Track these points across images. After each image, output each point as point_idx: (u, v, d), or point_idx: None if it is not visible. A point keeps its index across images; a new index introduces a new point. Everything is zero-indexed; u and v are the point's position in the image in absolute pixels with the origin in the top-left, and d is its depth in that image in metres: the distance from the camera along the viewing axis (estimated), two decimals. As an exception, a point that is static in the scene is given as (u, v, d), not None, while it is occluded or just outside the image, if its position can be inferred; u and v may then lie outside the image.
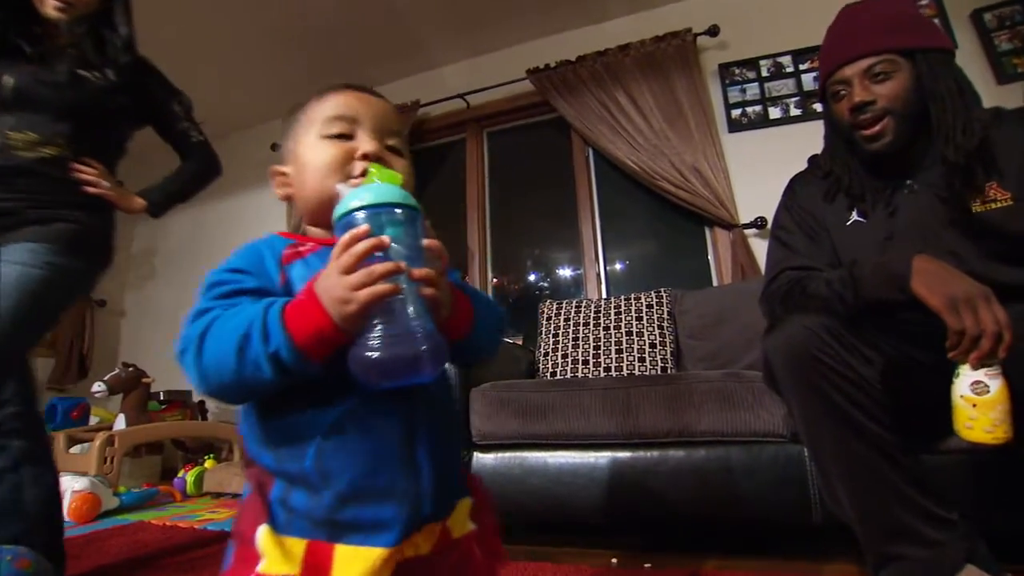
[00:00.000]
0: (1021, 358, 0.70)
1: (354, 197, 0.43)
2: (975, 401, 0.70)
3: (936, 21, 2.18)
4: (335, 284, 0.41)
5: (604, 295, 2.40)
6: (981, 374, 0.70)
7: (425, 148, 2.95)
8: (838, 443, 0.82)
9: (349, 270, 0.41)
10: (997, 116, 0.93)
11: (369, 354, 0.40)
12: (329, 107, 0.55)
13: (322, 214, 0.50)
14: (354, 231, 0.41)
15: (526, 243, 2.74)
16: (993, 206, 0.87)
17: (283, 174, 0.58)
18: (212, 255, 3.61)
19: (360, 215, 0.42)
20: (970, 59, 2.13)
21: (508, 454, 1.40)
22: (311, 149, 0.54)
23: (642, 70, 2.35)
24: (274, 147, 3.20)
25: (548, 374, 1.94)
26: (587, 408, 1.34)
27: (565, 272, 2.66)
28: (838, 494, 0.86)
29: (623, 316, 1.94)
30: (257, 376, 0.41)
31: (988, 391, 0.70)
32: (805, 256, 1.02)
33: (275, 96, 3.18)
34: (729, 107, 2.32)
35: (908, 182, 0.95)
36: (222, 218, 3.47)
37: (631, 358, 1.86)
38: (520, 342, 2.24)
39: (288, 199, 0.56)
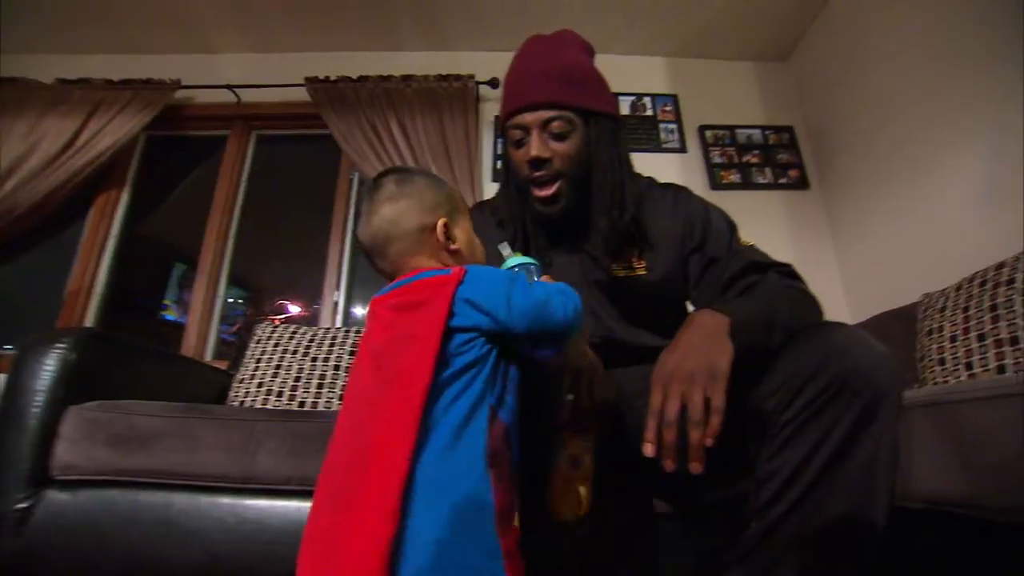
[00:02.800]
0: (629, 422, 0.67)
1: (524, 258, 0.74)
2: (568, 476, 0.67)
3: (675, 127, 2.51)
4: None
5: (339, 326, 2.20)
6: (578, 447, 0.68)
7: (181, 137, 2.56)
8: None
9: None
10: (648, 188, 0.96)
11: None
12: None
13: None
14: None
15: (272, 259, 2.46)
16: (631, 273, 0.89)
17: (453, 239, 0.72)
18: None
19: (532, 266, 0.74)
20: (695, 164, 2.47)
21: (93, 492, 1.08)
22: (477, 241, 0.78)
23: (420, 104, 2.32)
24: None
25: (237, 403, 1.65)
26: (199, 441, 1.09)
27: (305, 297, 2.42)
28: None
29: (335, 349, 1.74)
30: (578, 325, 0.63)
31: (580, 466, 0.67)
32: None
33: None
34: (496, 157, 2.38)
35: (566, 240, 0.94)
36: None
37: (331, 394, 1.66)
38: (226, 365, 1.91)
39: (452, 251, 0.71)
